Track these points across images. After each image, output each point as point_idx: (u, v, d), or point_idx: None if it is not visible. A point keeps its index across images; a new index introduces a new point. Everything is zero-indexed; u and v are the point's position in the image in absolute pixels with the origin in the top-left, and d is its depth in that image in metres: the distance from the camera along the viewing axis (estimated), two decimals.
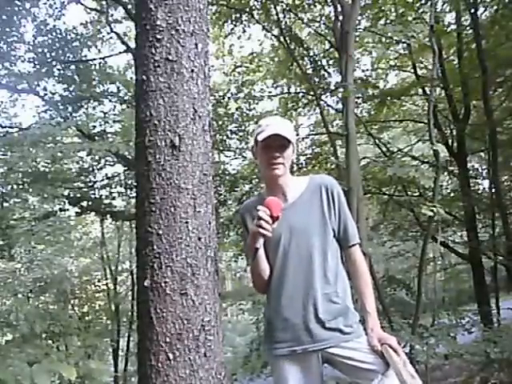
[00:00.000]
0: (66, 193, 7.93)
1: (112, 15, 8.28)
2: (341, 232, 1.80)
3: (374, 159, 7.65)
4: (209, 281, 1.64)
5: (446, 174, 8.59)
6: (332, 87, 7.95)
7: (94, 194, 8.78)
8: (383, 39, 7.37)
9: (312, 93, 7.85)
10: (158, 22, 1.65)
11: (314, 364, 1.73)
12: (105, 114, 8.79)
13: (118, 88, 8.77)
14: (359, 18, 6.52)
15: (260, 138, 1.72)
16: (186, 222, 1.61)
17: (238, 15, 7.84)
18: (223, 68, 10.47)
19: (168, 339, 1.56)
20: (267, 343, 1.82)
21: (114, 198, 8.84)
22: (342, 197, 1.81)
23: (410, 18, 6.40)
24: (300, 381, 1.72)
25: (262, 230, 1.60)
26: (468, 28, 7.36)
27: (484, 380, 5.35)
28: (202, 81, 1.70)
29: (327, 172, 8.02)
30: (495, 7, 7.05)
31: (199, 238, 1.63)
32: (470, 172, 8.83)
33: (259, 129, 1.76)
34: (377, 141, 8.19)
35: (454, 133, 8.00)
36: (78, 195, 8.40)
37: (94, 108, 8.90)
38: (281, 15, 7.41)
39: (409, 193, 7.95)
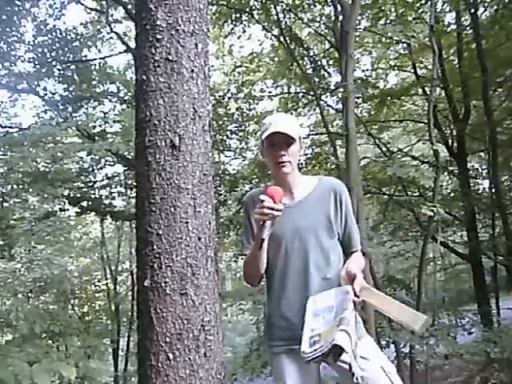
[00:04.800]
0: (66, 193, 7.92)
1: (112, 15, 8.28)
2: (345, 237, 1.82)
3: (374, 159, 7.64)
4: (209, 281, 1.64)
5: (446, 174, 8.59)
6: (332, 87, 7.94)
7: (94, 193, 8.78)
8: (383, 39, 7.36)
9: (312, 93, 7.84)
10: (158, 22, 1.65)
11: (311, 363, 1.74)
12: (105, 114, 8.79)
13: (117, 88, 8.78)
14: (359, 17, 6.50)
15: (263, 136, 1.73)
16: (186, 222, 1.61)
17: (238, 15, 7.83)
18: (223, 68, 10.47)
19: (168, 339, 1.56)
20: (267, 340, 1.84)
21: (113, 198, 8.84)
22: (350, 202, 1.82)
23: (410, 18, 6.40)
24: (297, 378, 1.73)
25: (265, 217, 1.57)
26: (468, 28, 7.36)
27: (484, 380, 5.36)
28: (201, 81, 1.71)
29: (327, 172, 8.02)
30: (495, 7, 7.04)
31: (199, 238, 1.63)
32: (470, 172, 8.83)
33: (263, 127, 1.77)
34: (377, 141, 8.18)
35: (454, 133, 7.99)
36: (78, 195, 8.39)
37: (94, 108, 8.91)
38: (281, 15, 7.40)
39: (409, 193, 7.94)
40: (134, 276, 9.02)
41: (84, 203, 8.55)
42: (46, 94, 8.22)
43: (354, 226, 1.84)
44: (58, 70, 8.21)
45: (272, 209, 1.56)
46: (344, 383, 1.76)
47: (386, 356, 1.79)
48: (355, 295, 1.55)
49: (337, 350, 1.43)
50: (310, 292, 1.71)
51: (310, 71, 7.97)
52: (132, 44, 7.63)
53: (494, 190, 7.59)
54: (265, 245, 1.69)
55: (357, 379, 1.44)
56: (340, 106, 7.51)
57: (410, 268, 10.16)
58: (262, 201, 1.58)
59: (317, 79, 7.95)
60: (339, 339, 1.42)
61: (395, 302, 1.60)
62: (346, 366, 1.45)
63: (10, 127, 8.38)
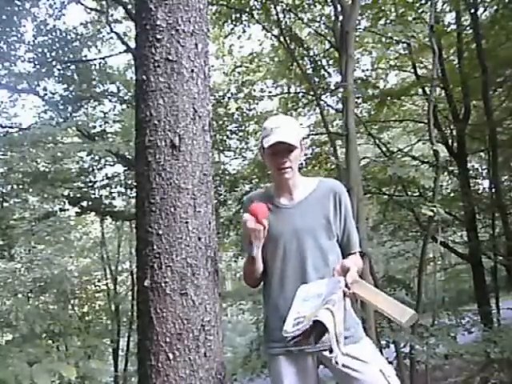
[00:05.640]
0: (66, 193, 7.92)
1: (112, 15, 8.28)
2: (344, 239, 1.82)
3: (374, 159, 7.64)
4: (209, 281, 1.64)
5: (446, 174, 8.58)
6: (332, 87, 7.94)
7: (94, 193, 8.77)
8: (383, 39, 7.35)
9: (312, 93, 7.84)
10: (158, 22, 1.66)
11: (309, 365, 1.73)
12: (105, 114, 8.79)
13: (117, 88, 8.78)
14: (359, 17, 6.49)
15: (266, 144, 1.72)
16: (186, 222, 1.61)
17: (238, 15, 7.82)
18: (223, 68, 10.47)
19: (168, 339, 1.56)
20: (265, 341, 1.83)
21: (113, 198, 8.83)
22: (349, 205, 1.83)
23: (410, 18, 6.40)
24: (296, 380, 1.71)
25: (249, 237, 1.62)
26: (468, 28, 7.36)
27: (484, 380, 5.36)
28: (201, 81, 1.71)
29: (327, 172, 8.02)
30: (495, 7, 7.04)
31: (199, 238, 1.63)
32: (470, 172, 8.82)
33: (265, 132, 1.76)
34: (377, 141, 8.18)
35: (454, 133, 7.99)
36: (78, 195, 8.39)
37: (94, 108, 8.90)
38: (281, 15, 7.39)
39: (409, 193, 7.93)
40: (134, 276, 9.01)
41: (84, 203, 8.54)
42: (46, 94, 8.21)
43: (354, 227, 1.84)
44: (58, 70, 8.20)
45: (254, 229, 1.60)
46: None
47: (384, 359, 1.79)
48: (346, 286, 1.56)
49: (318, 329, 1.42)
50: None
51: (310, 71, 7.96)
52: (132, 44, 7.62)
53: (494, 190, 7.59)
54: (257, 257, 1.72)
55: (337, 363, 1.43)
56: (340, 106, 7.50)
57: (410, 268, 10.14)
58: (246, 226, 1.61)
59: (317, 79, 7.94)
60: (321, 316, 1.41)
61: (384, 295, 1.61)
62: (327, 353, 1.44)
63: (10, 127, 8.37)
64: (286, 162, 1.73)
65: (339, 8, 5.66)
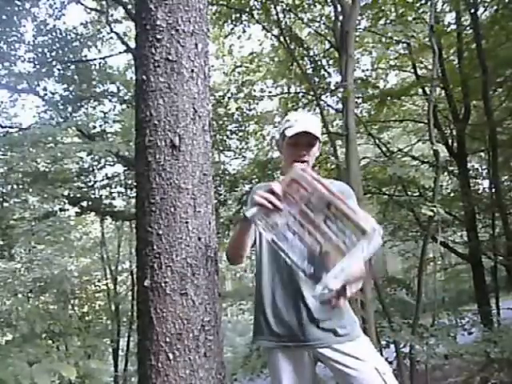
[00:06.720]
0: (66, 193, 7.92)
1: (112, 15, 8.28)
2: None
3: (374, 159, 7.64)
4: (209, 281, 1.64)
5: (446, 174, 8.59)
6: (332, 87, 7.93)
7: (94, 193, 8.78)
8: (383, 39, 7.36)
9: (312, 93, 7.83)
10: (158, 22, 1.66)
11: (306, 360, 1.75)
12: (105, 114, 8.79)
13: (117, 88, 8.78)
14: (359, 17, 6.49)
15: (289, 133, 1.71)
16: (186, 222, 1.61)
17: (238, 15, 7.82)
18: (223, 68, 10.48)
19: (168, 339, 1.56)
20: (262, 334, 1.78)
21: (113, 198, 8.84)
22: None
23: (410, 18, 6.40)
24: (292, 374, 1.73)
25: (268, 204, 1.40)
26: (468, 28, 7.36)
27: (484, 380, 5.36)
28: (201, 81, 1.71)
29: (327, 172, 8.02)
30: (495, 7, 7.04)
31: (199, 238, 1.63)
32: (470, 172, 8.83)
33: (287, 123, 1.75)
34: (377, 141, 8.18)
35: (454, 133, 7.99)
36: (78, 195, 8.39)
37: (94, 108, 8.90)
38: (281, 15, 7.39)
39: (409, 193, 7.93)
40: (134, 276, 9.01)
41: (84, 203, 8.55)
42: (45, 94, 8.21)
43: None
44: (58, 70, 8.20)
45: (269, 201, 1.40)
46: (341, 383, 1.77)
47: (381, 357, 1.79)
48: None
49: None
50: (305, 290, 1.70)
51: (310, 71, 7.96)
52: (132, 44, 7.62)
53: (494, 190, 7.59)
54: (250, 225, 1.61)
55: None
56: (340, 106, 7.49)
57: (410, 268, 10.15)
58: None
59: (317, 79, 7.94)
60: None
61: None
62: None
63: (10, 127, 8.38)
64: (305, 155, 1.72)
65: (339, 8, 5.66)
